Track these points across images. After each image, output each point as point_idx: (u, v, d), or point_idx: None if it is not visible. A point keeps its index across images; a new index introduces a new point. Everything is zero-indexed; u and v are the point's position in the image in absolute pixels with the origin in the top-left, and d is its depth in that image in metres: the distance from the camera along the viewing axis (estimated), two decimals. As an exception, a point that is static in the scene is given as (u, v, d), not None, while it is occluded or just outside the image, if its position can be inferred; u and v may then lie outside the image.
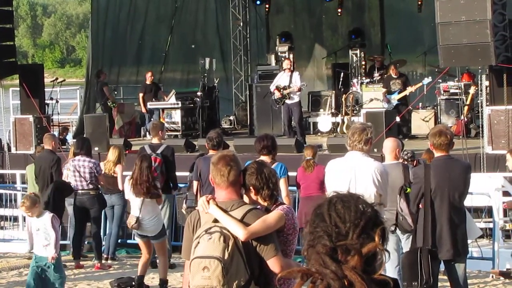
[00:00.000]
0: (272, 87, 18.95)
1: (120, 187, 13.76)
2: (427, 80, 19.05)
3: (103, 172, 13.73)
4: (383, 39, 25.13)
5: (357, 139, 7.77)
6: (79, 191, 13.45)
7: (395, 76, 19.51)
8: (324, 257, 2.52)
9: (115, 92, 21.76)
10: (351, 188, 7.46)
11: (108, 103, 21.17)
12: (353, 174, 7.71)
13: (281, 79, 18.90)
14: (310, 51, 27.26)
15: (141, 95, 21.65)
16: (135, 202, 11.08)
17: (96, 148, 16.12)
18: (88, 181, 13.37)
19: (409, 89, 19.25)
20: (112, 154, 13.92)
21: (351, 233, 2.56)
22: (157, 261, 12.58)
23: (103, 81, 21.26)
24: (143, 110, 21.70)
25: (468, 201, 9.39)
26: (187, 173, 12.99)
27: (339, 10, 25.87)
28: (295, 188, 12.93)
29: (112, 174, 13.77)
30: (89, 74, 23.60)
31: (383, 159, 10.27)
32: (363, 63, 23.41)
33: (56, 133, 20.27)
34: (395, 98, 19.19)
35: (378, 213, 2.65)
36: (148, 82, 21.90)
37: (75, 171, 13.38)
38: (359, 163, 7.73)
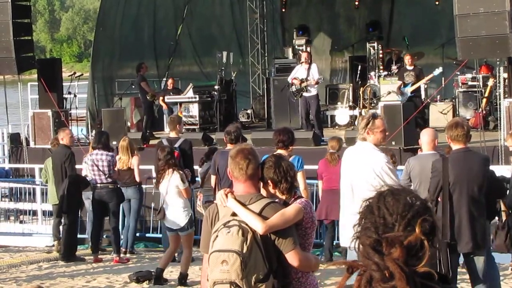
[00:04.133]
0: (290, 79, 18.95)
1: (137, 179, 13.78)
2: (438, 71, 18.93)
3: (117, 167, 13.76)
4: (400, 32, 25.01)
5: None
6: (98, 185, 13.48)
7: (410, 68, 19.37)
8: (367, 248, 2.52)
9: (133, 86, 21.74)
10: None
11: (148, 97, 21.07)
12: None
13: (299, 72, 18.89)
14: (327, 44, 27.19)
15: (161, 99, 21.53)
16: (161, 193, 11.15)
17: (114, 142, 16.15)
18: (107, 175, 13.40)
19: (422, 81, 19.10)
20: (121, 147, 13.96)
21: (397, 225, 2.55)
22: (176, 254, 12.62)
23: (142, 75, 21.09)
24: (165, 107, 21.55)
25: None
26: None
27: (356, 3, 25.80)
28: (313, 181, 12.93)
29: (128, 167, 13.79)
30: (94, 68, 23.62)
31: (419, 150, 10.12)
32: (381, 56, 23.33)
33: (75, 128, 20.36)
34: (408, 90, 19.06)
35: (428, 207, 2.63)
36: (170, 87, 21.83)
37: (93, 165, 13.42)
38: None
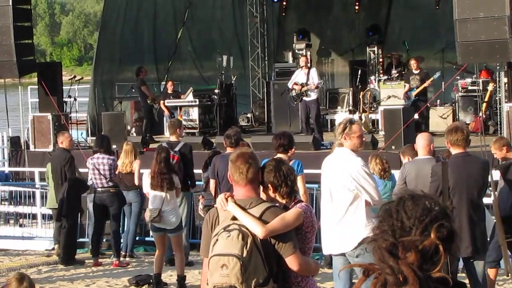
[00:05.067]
0: (290, 84, 18.98)
1: (136, 182, 13.78)
2: (437, 74, 18.98)
3: (118, 171, 13.76)
4: (400, 36, 25.02)
5: None
6: (99, 189, 13.47)
7: (416, 72, 19.45)
8: (383, 252, 2.52)
9: (133, 90, 21.73)
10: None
11: (148, 101, 21.05)
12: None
13: (299, 76, 18.92)
14: (327, 48, 27.19)
15: (162, 103, 21.47)
16: (156, 195, 11.14)
17: (114, 146, 16.16)
18: (108, 179, 13.40)
19: (424, 85, 19.16)
20: (125, 151, 13.96)
21: (415, 229, 2.54)
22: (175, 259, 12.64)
23: (141, 79, 21.04)
24: (167, 113, 21.47)
25: (487, 199, 9.35)
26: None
27: (356, 7, 25.81)
28: (312, 185, 12.93)
29: (129, 171, 13.80)
30: (94, 73, 23.60)
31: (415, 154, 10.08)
32: (381, 60, 23.34)
33: (75, 131, 20.35)
34: (412, 94, 19.14)
35: (447, 213, 2.61)
36: (169, 91, 21.78)
37: (94, 168, 13.41)
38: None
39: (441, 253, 2.53)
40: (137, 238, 14.78)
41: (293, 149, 10.11)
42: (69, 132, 16.81)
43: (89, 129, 22.18)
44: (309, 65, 19.35)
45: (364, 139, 8.26)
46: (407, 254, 2.50)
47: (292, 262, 5.02)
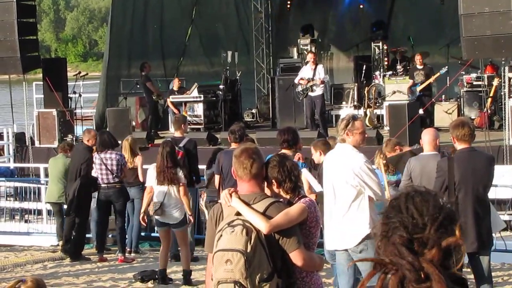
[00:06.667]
0: (297, 80, 18.99)
1: (141, 179, 13.76)
2: (444, 70, 18.93)
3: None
4: (405, 31, 24.98)
5: None
6: (104, 185, 13.45)
7: (420, 67, 19.40)
8: (400, 247, 2.50)
9: (138, 86, 21.70)
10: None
11: (153, 97, 21.03)
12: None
13: (305, 71, 18.93)
14: (332, 43, 27.18)
15: (169, 100, 21.44)
16: (159, 189, 11.14)
17: (119, 142, 16.14)
18: (115, 174, 13.38)
19: (429, 80, 19.12)
20: (124, 147, 13.95)
21: (429, 226, 2.52)
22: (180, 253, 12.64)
23: (146, 75, 21.00)
24: (176, 110, 21.41)
25: (492, 194, 9.33)
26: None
27: (361, 3, 25.78)
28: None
29: (131, 166, 13.78)
30: (107, 69, 23.53)
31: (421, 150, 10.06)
32: (386, 55, 23.30)
33: (80, 127, 20.35)
34: (417, 89, 19.11)
35: (454, 210, 2.61)
36: (175, 88, 21.73)
37: (101, 164, 13.37)
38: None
39: (463, 251, 2.52)
40: (142, 234, 14.79)
41: (300, 145, 10.09)
42: (75, 129, 16.83)
43: (96, 125, 22.15)
44: (316, 61, 19.32)
45: (366, 135, 8.25)
46: (424, 251, 2.49)
47: (296, 257, 5.02)
